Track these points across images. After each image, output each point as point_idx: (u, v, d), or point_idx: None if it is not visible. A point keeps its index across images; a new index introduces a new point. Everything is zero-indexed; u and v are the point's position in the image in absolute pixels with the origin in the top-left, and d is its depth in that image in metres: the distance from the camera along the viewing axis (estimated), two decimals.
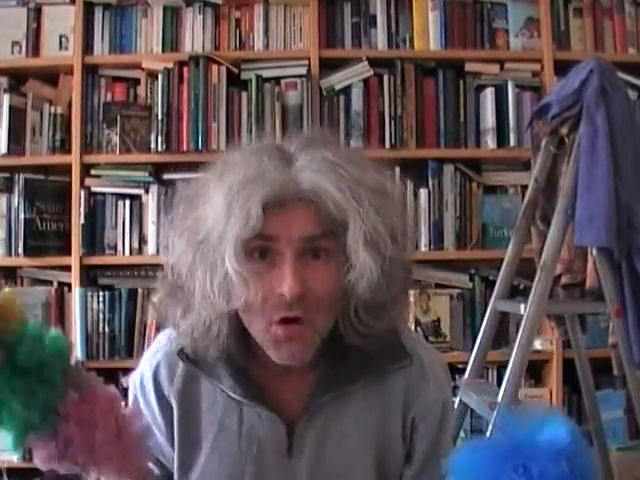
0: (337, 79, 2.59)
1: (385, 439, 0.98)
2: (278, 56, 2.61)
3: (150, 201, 2.54)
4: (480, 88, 2.64)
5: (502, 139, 2.58)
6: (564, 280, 1.95)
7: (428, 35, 2.62)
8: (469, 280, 2.62)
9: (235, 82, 2.58)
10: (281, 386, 0.96)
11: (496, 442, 0.71)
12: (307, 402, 0.94)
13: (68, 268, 2.50)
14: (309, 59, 2.57)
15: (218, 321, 0.88)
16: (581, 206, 1.76)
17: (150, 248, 2.52)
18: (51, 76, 2.60)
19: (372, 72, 2.59)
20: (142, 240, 2.54)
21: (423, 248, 2.54)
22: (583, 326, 2.21)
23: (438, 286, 2.60)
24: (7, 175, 2.54)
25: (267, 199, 0.84)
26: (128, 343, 2.50)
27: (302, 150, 0.89)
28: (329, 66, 2.58)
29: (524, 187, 2.32)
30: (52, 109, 2.57)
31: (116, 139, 2.53)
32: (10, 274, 2.57)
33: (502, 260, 2.05)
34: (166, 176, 2.54)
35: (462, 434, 2.35)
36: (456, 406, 2.03)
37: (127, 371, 2.45)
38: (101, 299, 2.49)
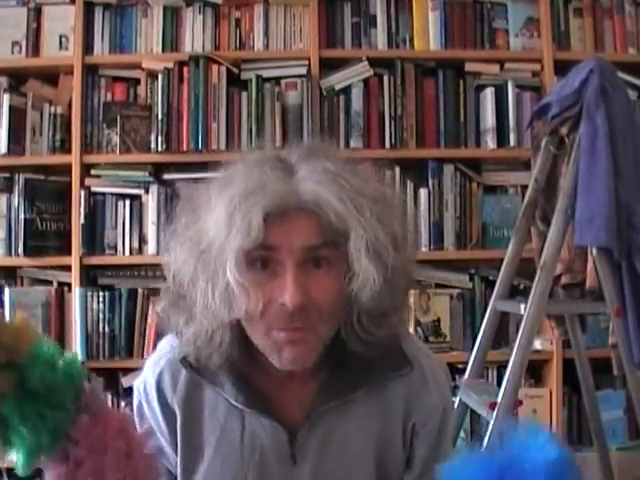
0: (337, 79, 2.59)
1: (386, 444, 0.98)
2: (278, 56, 2.60)
3: (150, 201, 2.54)
4: (480, 88, 2.64)
5: (502, 139, 2.58)
6: (564, 280, 1.95)
7: (428, 35, 2.62)
8: (469, 280, 2.61)
9: (235, 82, 2.58)
10: (283, 393, 0.96)
11: (487, 458, 0.72)
12: (309, 409, 0.95)
13: (68, 268, 2.50)
14: (309, 59, 2.57)
15: (220, 330, 0.89)
16: (581, 206, 1.76)
17: (150, 248, 2.52)
18: (51, 76, 2.60)
19: (372, 72, 2.59)
20: (142, 240, 2.54)
21: (423, 248, 2.54)
22: (583, 326, 2.22)
23: (438, 286, 2.59)
24: (7, 175, 2.54)
25: (268, 210, 0.84)
26: (128, 343, 2.50)
27: (303, 161, 0.90)
28: (329, 66, 2.58)
29: (524, 187, 2.32)
30: (52, 109, 2.57)
31: (116, 139, 2.53)
32: (10, 274, 2.57)
33: (502, 260, 2.06)
34: (166, 176, 2.54)
35: (462, 434, 2.36)
36: (456, 406, 2.03)
37: (127, 371, 2.46)
38: (101, 299, 2.49)
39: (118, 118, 2.52)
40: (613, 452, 2.31)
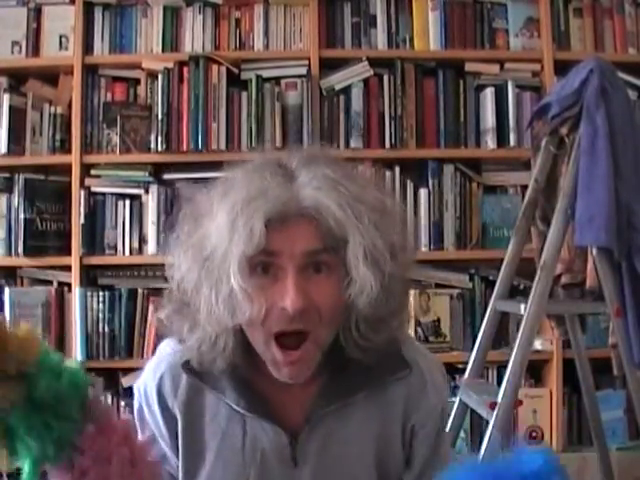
0: (337, 79, 2.59)
1: (386, 446, 0.99)
2: (278, 56, 2.61)
3: (150, 201, 2.54)
4: (480, 88, 2.64)
5: (502, 139, 2.58)
6: (564, 280, 1.95)
7: (428, 35, 2.62)
8: (469, 280, 2.62)
9: (235, 82, 2.58)
10: (284, 397, 0.97)
11: (480, 468, 0.74)
12: (309, 413, 0.96)
13: (68, 268, 2.50)
14: (309, 59, 2.57)
15: (224, 335, 0.90)
16: (581, 206, 1.76)
17: (150, 248, 2.52)
18: (51, 76, 2.60)
19: (372, 72, 2.59)
20: (142, 240, 2.54)
21: (423, 248, 2.54)
22: (583, 326, 2.22)
23: (438, 286, 2.59)
24: (7, 175, 2.54)
25: (270, 215, 0.85)
26: (128, 343, 2.50)
27: (303, 167, 0.91)
28: (329, 66, 2.58)
29: (524, 187, 2.32)
30: (52, 109, 2.57)
31: (116, 139, 2.53)
32: (10, 274, 2.57)
33: (502, 260, 2.06)
34: (166, 176, 2.54)
35: (462, 434, 2.36)
36: (456, 406, 2.03)
37: (127, 371, 2.46)
38: (101, 299, 2.49)
39: (118, 118, 2.52)
40: (613, 452, 2.32)
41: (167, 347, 1.02)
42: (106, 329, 2.48)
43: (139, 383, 1.02)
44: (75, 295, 2.47)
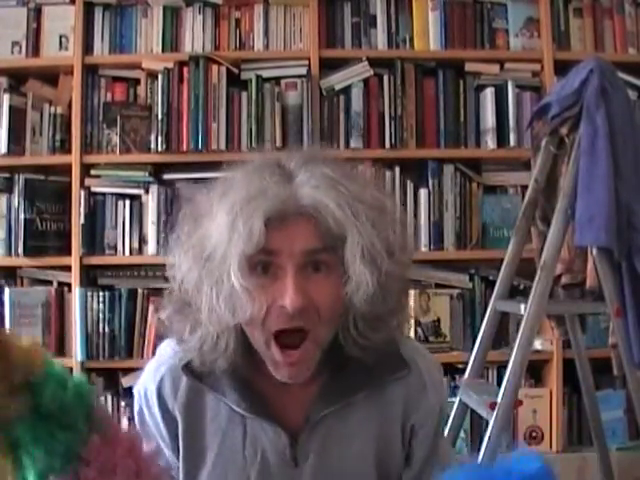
0: (337, 79, 2.59)
1: (386, 445, 1.00)
2: (278, 56, 2.61)
3: (150, 201, 2.53)
4: (480, 88, 2.64)
5: (502, 139, 2.58)
6: (564, 280, 1.95)
7: (428, 35, 2.62)
8: (469, 280, 2.62)
9: (235, 82, 2.58)
10: (284, 398, 0.97)
11: (477, 471, 0.75)
12: (309, 413, 0.96)
13: (68, 268, 2.50)
14: (309, 59, 2.57)
15: (225, 335, 0.90)
16: (581, 206, 1.76)
17: (150, 248, 2.52)
18: (51, 76, 2.60)
19: (372, 72, 2.59)
20: (142, 240, 2.54)
21: (423, 248, 2.55)
22: (583, 326, 2.22)
23: (438, 286, 2.59)
24: (7, 175, 2.54)
25: (269, 214, 0.86)
26: (128, 343, 2.50)
27: (302, 167, 0.91)
28: (329, 66, 2.58)
29: (524, 187, 2.32)
30: (52, 109, 2.57)
31: (116, 139, 2.53)
32: (10, 274, 2.57)
33: (502, 260, 2.05)
34: (166, 176, 2.54)
35: (462, 434, 2.36)
36: (456, 406, 2.03)
37: (127, 371, 2.46)
38: (101, 299, 2.49)
39: (118, 118, 2.52)
40: (613, 452, 2.32)
41: (167, 348, 1.02)
42: (106, 329, 2.48)
43: (139, 385, 1.02)
44: (75, 295, 2.47)
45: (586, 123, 1.77)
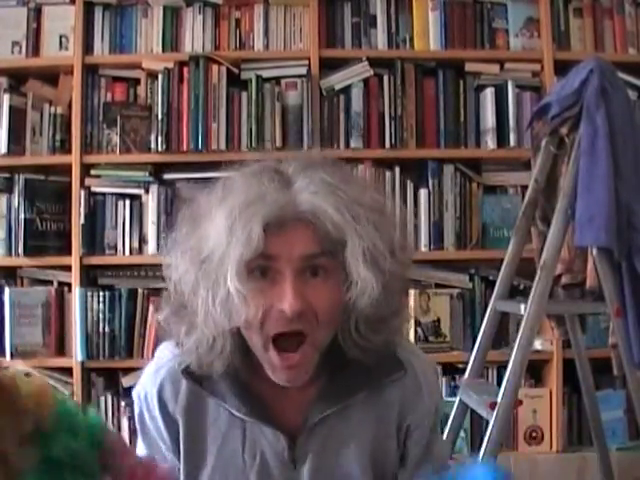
0: (337, 79, 2.58)
1: (381, 446, 1.00)
2: (278, 56, 2.60)
3: (150, 201, 2.53)
4: (480, 88, 2.64)
5: (502, 139, 2.58)
6: (564, 280, 1.95)
7: (428, 35, 2.62)
8: (469, 280, 2.61)
9: (235, 82, 2.58)
10: (283, 401, 0.98)
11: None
12: (308, 416, 0.97)
13: (68, 268, 2.50)
14: (309, 59, 2.57)
15: (221, 338, 0.90)
16: (581, 206, 1.76)
17: (150, 248, 2.52)
18: (51, 76, 2.60)
19: (372, 72, 2.59)
20: (142, 240, 2.54)
21: (423, 248, 2.55)
22: (583, 326, 2.22)
23: (438, 286, 2.59)
24: (7, 175, 2.54)
25: (268, 220, 0.86)
26: (128, 343, 2.50)
27: (300, 172, 0.91)
28: (329, 66, 2.58)
29: (524, 187, 2.32)
30: (52, 109, 2.57)
31: (116, 139, 2.53)
32: (10, 274, 2.57)
33: (502, 260, 2.06)
34: (166, 176, 2.54)
35: (462, 434, 2.36)
36: (456, 406, 2.04)
37: (127, 371, 2.46)
38: (101, 299, 2.49)
39: (118, 118, 2.52)
40: (613, 452, 2.32)
41: (165, 350, 1.02)
42: (106, 329, 2.48)
43: (138, 389, 1.02)
44: (75, 295, 2.47)
45: (586, 123, 1.77)
